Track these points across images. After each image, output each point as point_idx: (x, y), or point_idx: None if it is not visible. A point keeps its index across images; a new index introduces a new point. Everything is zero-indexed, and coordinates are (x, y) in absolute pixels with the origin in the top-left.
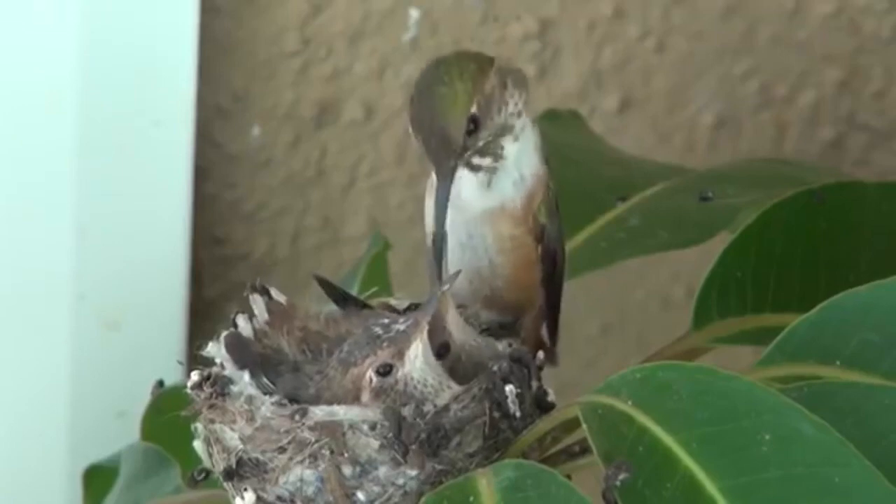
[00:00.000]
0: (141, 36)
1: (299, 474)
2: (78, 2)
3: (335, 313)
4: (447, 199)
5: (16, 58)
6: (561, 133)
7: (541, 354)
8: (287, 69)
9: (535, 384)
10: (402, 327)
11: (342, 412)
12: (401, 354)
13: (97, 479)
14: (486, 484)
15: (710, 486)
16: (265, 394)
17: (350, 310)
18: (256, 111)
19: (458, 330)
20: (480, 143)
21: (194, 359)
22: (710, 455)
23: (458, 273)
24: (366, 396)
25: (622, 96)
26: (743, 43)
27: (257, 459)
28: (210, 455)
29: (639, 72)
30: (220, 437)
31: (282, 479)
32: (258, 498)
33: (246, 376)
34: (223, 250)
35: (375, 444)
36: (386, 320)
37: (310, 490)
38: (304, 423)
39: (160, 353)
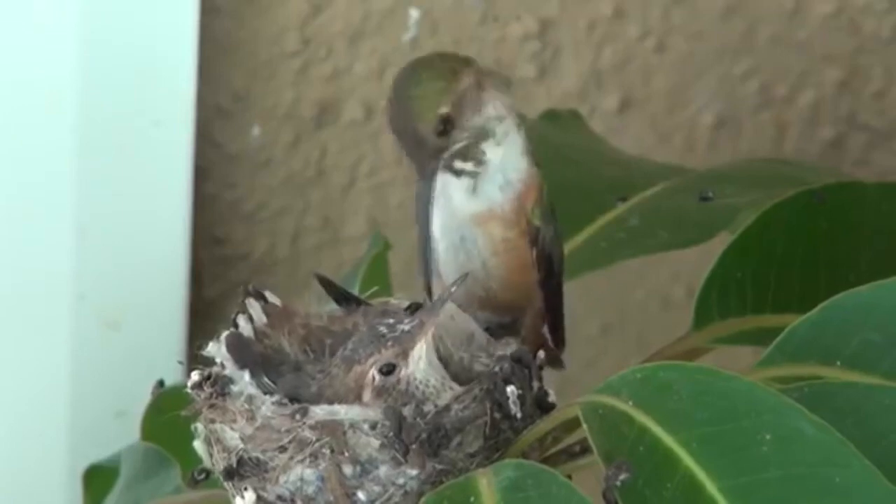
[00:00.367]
0: (141, 36)
1: (300, 473)
2: (78, 2)
3: (338, 310)
4: (429, 199)
5: (16, 58)
6: (561, 133)
7: (541, 354)
8: (287, 69)
9: (535, 384)
10: (406, 327)
11: (343, 411)
12: (405, 354)
13: (97, 479)
14: (487, 484)
15: (711, 486)
16: (266, 393)
17: (352, 308)
18: (256, 111)
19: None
20: (458, 146)
21: (194, 359)
22: (710, 455)
23: (465, 276)
24: (368, 395)
25: (622, 96)
26: (743, 43)
27: (258, 459)
28: (210, 455)
29: (639, 72)
30: (221, 436)
31: (282, 479)
32: (258, 497)
33: (246, 376)
34: (223, 250)
35: (376, 443)
36: (391, 320)
37: (310, 489)
38: (304, 423)
39: (160, 353)
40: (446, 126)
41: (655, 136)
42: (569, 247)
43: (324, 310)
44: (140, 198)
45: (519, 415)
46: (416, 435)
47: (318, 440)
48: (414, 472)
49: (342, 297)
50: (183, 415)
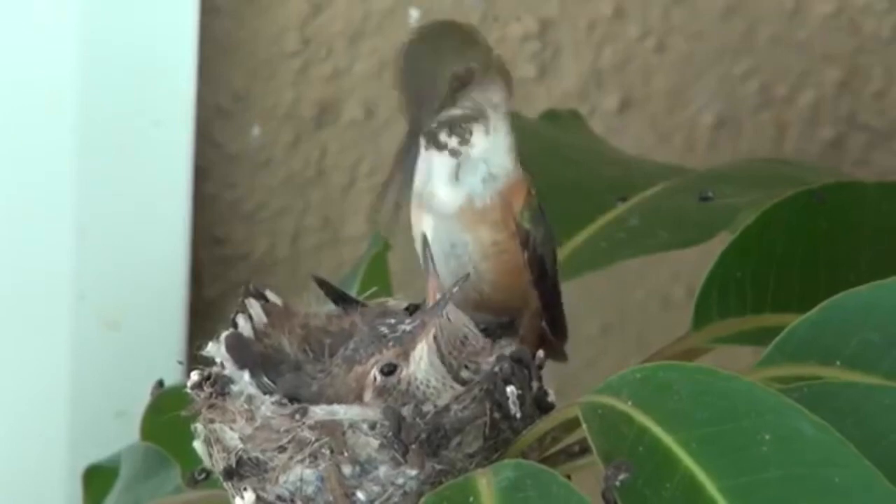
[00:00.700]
0: (141, 36)
1: (299, 473)
2: (78, 2)
3: (337, 310)
4: (409, 151)
5: (16, 58)
6: (561, 133)
7: (541, 354)
8: (287, 69)
9: (535, 384)
10: (408, 328)
11: (342, 411)
12: (406, 355)
13: (97, 479)
14: (486, 484)
15: (711, 486)
16: (265, 393)
17: (350, 309)
18: (256, 111)
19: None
20: (450, 114)
21: (194, 359)
22: (710, 455)
23: (466, 276)
24: (368, 395)
25: (622, 96)
26: (743, 43)
27: (257, 459)
28: (210, 455)
29: (639, 72)
30: (220, 436)
31: (282, 479)
32: (258, 497)
33: (246, 376)
34: (223, 250)
35: (375, 443)
36: (392, 320)
37: (310, 489)
38: (304, 423)
39: (160, 353)
40: (459, 84)
41: (655, 136)
42: (569, 247)
43: (323, 310)
44: (140, 198)
45: (518, 415)
46: (416, 435)
47: (317, 440)
48: (413, 472)
49: (339, 299)
50: (183, 415)
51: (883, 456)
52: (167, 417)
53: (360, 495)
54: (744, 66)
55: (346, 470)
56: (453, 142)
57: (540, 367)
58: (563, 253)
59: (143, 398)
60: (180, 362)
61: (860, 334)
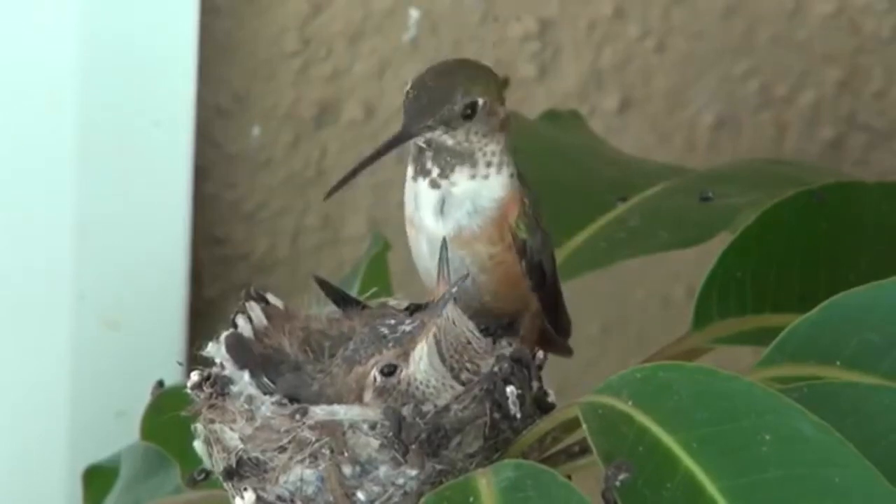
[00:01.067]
0: (141, 36)
1: (299, 474)
2: (78, 2)
3: (337, 312)
4: (394, 145)
5: (16, 57)
6: (561, 133)
7: (541, 354)
8: (287, 69)
9: (535, 384)
10: (408, 328)
11: (342, 412)
12: (406, 355)
13: (97, 479)
14: (486, 484)
15: (711, 487)
16: (265, 393)
17: (350, 310)
18: (256, 111)
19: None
20: (447, 142)
21: (194, 359)
22: (710, 455)
23: (466, 276)
24: (368, 396)
25: (622, 96)
26: (743, 43)
27: (257, 459)
28: (210, 455)
29: (639, 72)
30: (220, 436)
31: (282, 479)
32: (258, 497)
33: (246, 376)
34: (223, 250)
35: (375, 443)
36: (392, 321)
37: (310, 489)
38: (304, 423)
39: (160, 353)
40: (468, 112)
41: (655, 136)
42: (569, 247)
43: (323, 311)
44: (140, 198)
45: (518, 415)
46: (416, 435)
47: (317, 440)
48: (413, 472)
49: (340, 299)
50: (182, 415)
51: (883, 456)
52: (167, 417)
53: (361, 495)
54: (744, 66)
55: (347, 470)
56: (435, 172)
57: (540, 368)
58: (563, 253)
59: (143, 398)
60: (180, 363)
61: (860, 334)
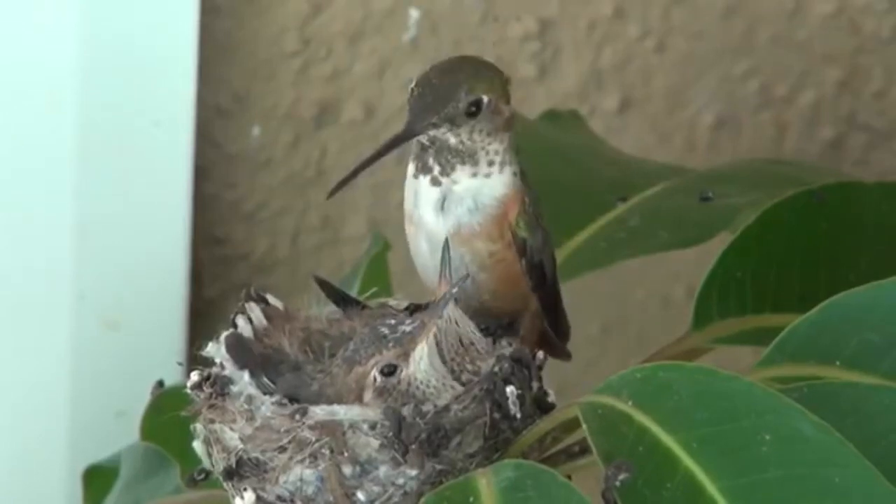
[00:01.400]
0: (141, 36)
1: (299, 474)
2: (78, 2)
3: (337, 313)
4: (395, 145)
5: (16, 57)
6: (561, 133)
7: (540, 354)
8: (287, 69)
9: (535, 384)
10: (408, 328)
11: (342, 412)
12: (406, 356)
13: (97, 479)
14: (486, 484)
15: (711, 487)
16: (265, 393)
17: (350, 310)
18: (256, 111)
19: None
20: (450, 140)
21: (194, 359)
22: (710, 455)
23: (466, 276)
24: (368, 396)
25: (622, 96)
26: (743, 43)
27: (257, 459)
28: (209, 455)
29: (639, 72)
30: (220, 436)
31: (282, 479)
32: (258, 498)
33: (246, 376)
34: (223, 250)
35: (375, 443)
36: (393, 321)
37: (310, 489)
38: (304, 423)
39: (160, 353)
40: (472, 110)
41: (655, 136)
42: (569, 247)
43: (323, 311)
44: (140, 198)
45: (518, 415)
46: (416, 435)
47: (317, 440)
48: (413, 472)
49: (340, 299)
50: (182, 415)
51: (883, 456)
52: (167, 417)
53: (361, 495)
54: (744, 66)
55: (347, 470)
56: (436, 169)
57: (540, 368)
58: (563, 253)
59: (143, 398)
60: (180, 363)
61: (860, 334)
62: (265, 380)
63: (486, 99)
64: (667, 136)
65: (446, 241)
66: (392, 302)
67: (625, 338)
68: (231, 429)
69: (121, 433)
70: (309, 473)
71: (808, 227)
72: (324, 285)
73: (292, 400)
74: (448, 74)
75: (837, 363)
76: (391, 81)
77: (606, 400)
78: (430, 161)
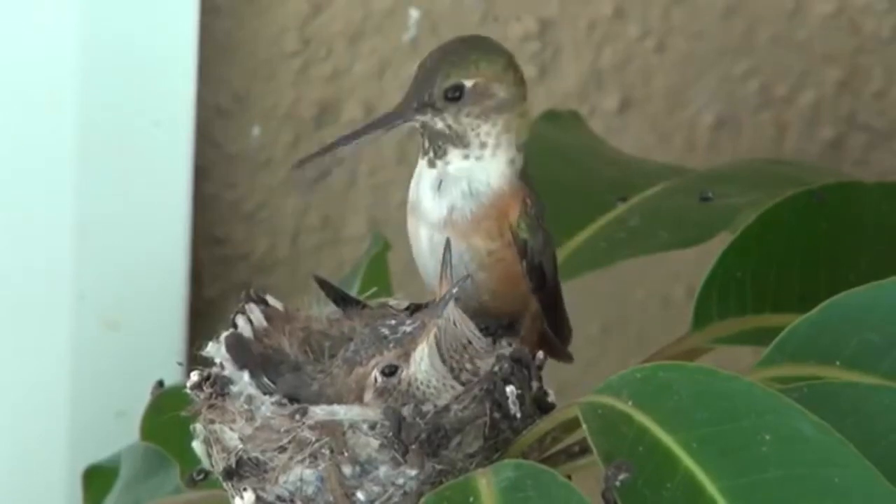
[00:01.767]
0: (141, 36)
1: (299, 474)
2: (78, 2)
3: (337, 313)
4: (386, 125)
5: (16, 57)
6: (561, 133)
7: (540, 354)
8: (287, 69)
9: (535, 384)
10: (408, 329)
11: (342, 412)
12: (406, 356)
13: (97, 479)
14: (486, 484)
15: (711, 487)
16: (265, 393)
17: (350, 310)
18: (256, 111)
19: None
20: (437, 125)
21: (194, 359)
22: (710, 455)
23: (467, 276)
24: (369, 396)
25: (622, 96)
26: (743, 43)
27: (257, 459)
28: (209, 455)
29: (639, 72)
30: (220, 437)
31: (282, 479)
32: (258, 498)
33: (246, 376)
34: (223, 250)
35: (375, 443)
36: (393, 321)
37: (310, 489)
38: (304, 423)
39: (160, 353)
40: (456, 94)
41: (655, 136)
42: (569, 247)
43: (323, 311)
44: (140, 198)
45: (518, 415)
46: (416, 435)
47: (317, 440)
48: (413, 472)
49: (340, 299)
50: (183, 415)
51: (883, 456)
52: (167, 417)
53: (361, 495)
54: (744, 66)
55: (347, 470)
56: (431, 152)
57: (540, 368)
58: (563, 253)
59: (143, 398)
60: (180, 363)
61: (860, 334)
62: (265, 380)
63: (467, 84)
64: (667, 136)
65: (447, 241)
66: (392, 302)
67: (625, 338)
68: (231, 429)
69: (121, 433)
70: (309, 473)
71: (808, 227)
72: (324, 285)
73: (292, 400)
74: (435, 59)
75: (837, 363)
76: (391, 81)
77: (606, 400)
78: (427, 144)
